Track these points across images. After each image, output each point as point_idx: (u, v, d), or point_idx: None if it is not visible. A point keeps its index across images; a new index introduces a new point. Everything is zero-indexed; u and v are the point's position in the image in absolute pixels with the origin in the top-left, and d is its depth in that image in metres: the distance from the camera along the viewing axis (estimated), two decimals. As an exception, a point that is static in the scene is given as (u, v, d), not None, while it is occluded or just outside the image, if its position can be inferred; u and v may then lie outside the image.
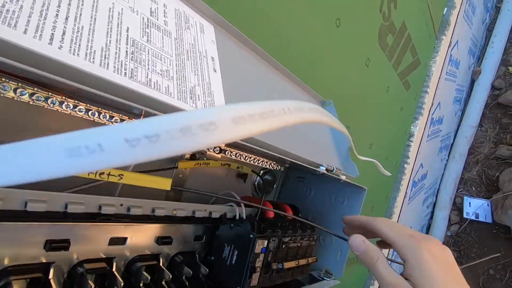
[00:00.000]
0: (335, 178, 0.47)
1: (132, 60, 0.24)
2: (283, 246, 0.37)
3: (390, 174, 0.72)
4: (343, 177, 0.45)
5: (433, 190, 2.00)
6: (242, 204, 0.38)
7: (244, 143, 0.30)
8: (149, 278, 0.28)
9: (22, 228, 0.23)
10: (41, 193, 0.22)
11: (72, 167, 0.08)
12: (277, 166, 0.47)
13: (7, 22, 0.17)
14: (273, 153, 0.33)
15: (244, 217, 0.36)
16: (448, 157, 2.11)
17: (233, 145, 0.37)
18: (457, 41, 1.53)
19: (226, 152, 0.37)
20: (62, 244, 0.25)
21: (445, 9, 1.34)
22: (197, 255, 0.35)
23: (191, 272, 0.32)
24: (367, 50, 0.83)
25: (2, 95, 0.17)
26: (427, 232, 2.09)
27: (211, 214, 0.35)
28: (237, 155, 0.38)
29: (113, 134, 0.08)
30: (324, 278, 0.48)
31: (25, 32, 0.17)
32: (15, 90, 0.18)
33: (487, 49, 2.17)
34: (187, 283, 0.32)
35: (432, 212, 2.10)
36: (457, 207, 2.04)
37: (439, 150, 1.87)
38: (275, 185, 0.58)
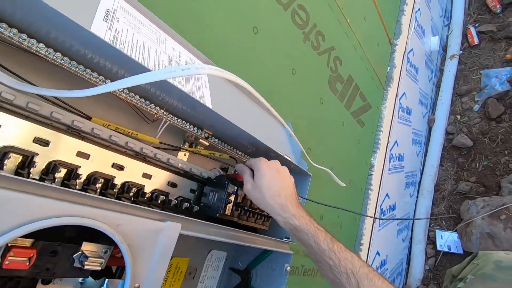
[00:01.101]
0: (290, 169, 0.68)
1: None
2: (247, 197, 0.56)
3: (345, 185, 0.93)
4: (293, 162, 0.66)
5: (407, 224, 2.16)
6: (221, 171, 0.58)
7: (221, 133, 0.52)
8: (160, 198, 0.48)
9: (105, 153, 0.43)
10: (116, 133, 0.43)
11: (167, 75, 0.30)
12: (246, 157, 0.68)
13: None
14: (242, 142, 0.56)
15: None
16: (418, 194, 2.33)
17: (217, 135, 0.59)
18: (404, 92, 1.89)
19: (212, 139, 0.59)
20: (120, 168, 0.45)
21: (388, 68, 1.72)
22: (191, 201, 0.54)
23: (188, 205, 0.51)
24: (320, 92, 1.12)
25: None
26: (407, 267, 2.18)
27: (202, 174, 0.56)
28: (218, 141, 0.60)
29: (179, 68, 0.31)
30: (284, 239, 0.66)
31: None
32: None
33: (437, 102, 2.58)
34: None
35: (410, 247, 2.22)
36: (431, 240, 2.18)
37: (406, 185, 2.09)
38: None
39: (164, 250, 0.39)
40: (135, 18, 0.50)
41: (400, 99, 1.82)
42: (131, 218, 0.36)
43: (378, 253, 1.64)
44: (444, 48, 2.78)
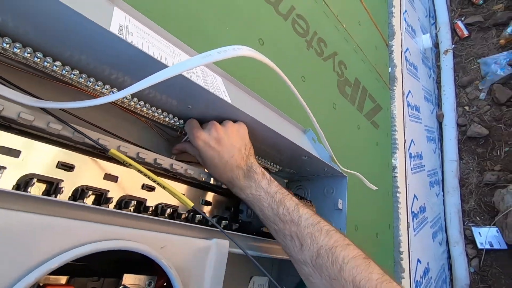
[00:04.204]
0: (322, 174, 0.64)
1: (185, 83, 0.45)
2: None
3: (376, 188, 0.87)
4: (326, 163, 0.62)
5: (440, 226, 2.03)
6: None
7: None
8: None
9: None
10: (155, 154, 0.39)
11: (204, 60, 0.27)
12: (276, 166, 0.64)
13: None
14: (269, 151, 0.52)
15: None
16: (443, 192, 2.22)
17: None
18: (409, 90, 1.87)
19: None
20: (152, 188, 0.40)
21: (390, 68, 1.71)
22: (228, 218, 0.49)
23: (227, 223, 0.46)
24: (331, 97, 1.09)
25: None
26: (450, 272, 2.02)
27: (235, 188, 0.51)
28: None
29: (214, 52, 0.28)
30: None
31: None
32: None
33: (442, 97, 2.56)
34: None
35: (449, 250, 2.07)
36: (470, 240, 2.04)
37: (430, 184, 2.00)
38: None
39: (215, 271, 0.33)
40: (147, 33, 0.48)
41: (407, 97, 1.80)
42: (176, 238, 0.31)
43: (419, 260, 1.52)
44: (436, 45, 2.82)
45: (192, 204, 0.39)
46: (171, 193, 0.38)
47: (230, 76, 0.63)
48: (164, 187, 0.38)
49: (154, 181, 0.37)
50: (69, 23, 0.28)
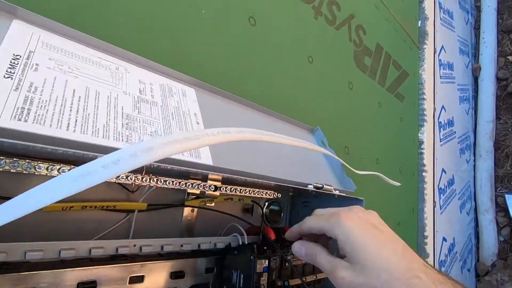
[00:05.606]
0: (329, 194, 0.50)
1: (127, 129, 0.31)
2: (286, 264, 0.40)
3: (399, 184, 0.74)
4: (336, 192, 0.49)
5: (469, 194, 1.89)
6: (244, 233, 0.42)
7: (236, 176, 0.36)
8: (166, 308, 0.33)
9: (58, 275, 0.29)
10: (70, 243, 0.28)
11: (76, 188, 0.14)
12: (275, 194, 0.51)
13: (38, 122, 0.25)
14: (264, 181, 0.39)
15: (246, 243, 0.41)
16: (474, 157, 2.03)
17: (227, 181, 0.43)
18: (442, 46, 1.59)
19: (221, 189, 0.43)
20: (91, 285, 0.30)
21: (419, 21, 1.43)
22: (210, 286, 0.39)
23: (205, 299, 0.36)
24: (347, 75, 0.90)
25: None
26: (477, 242, 1.92)
27: (216, 246, 0.40)
28: (231, 189, 0.44)
29: (97, 167, 0.15)
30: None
31: (50, 126, 0.26)
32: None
33: (480, 46, 2.21)
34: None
35: (476, 219, 1.95)
36: (502, 207, 1.89)
37: (461, 151, 1.81)
38: (282, 214, 0.62)
39: None
40: (71, 54, 0.33)
41: (439, 55, 1.53)
42: None
43: (444, 239, 1.42)
44: (476, -20, 2.35)
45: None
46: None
47: (208, 84, 0.48)
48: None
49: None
50: None
